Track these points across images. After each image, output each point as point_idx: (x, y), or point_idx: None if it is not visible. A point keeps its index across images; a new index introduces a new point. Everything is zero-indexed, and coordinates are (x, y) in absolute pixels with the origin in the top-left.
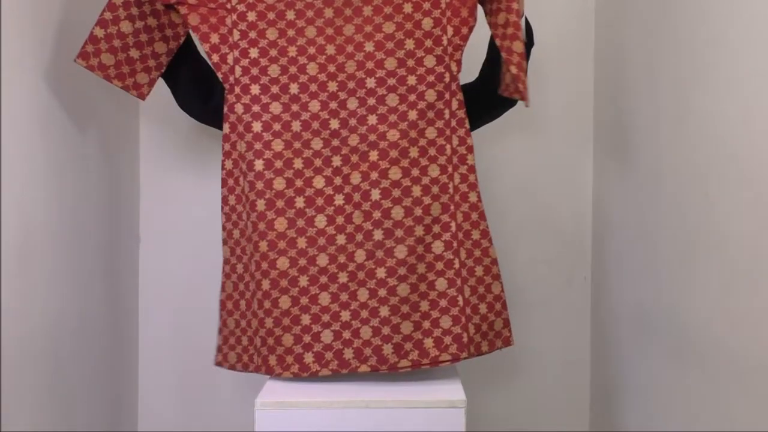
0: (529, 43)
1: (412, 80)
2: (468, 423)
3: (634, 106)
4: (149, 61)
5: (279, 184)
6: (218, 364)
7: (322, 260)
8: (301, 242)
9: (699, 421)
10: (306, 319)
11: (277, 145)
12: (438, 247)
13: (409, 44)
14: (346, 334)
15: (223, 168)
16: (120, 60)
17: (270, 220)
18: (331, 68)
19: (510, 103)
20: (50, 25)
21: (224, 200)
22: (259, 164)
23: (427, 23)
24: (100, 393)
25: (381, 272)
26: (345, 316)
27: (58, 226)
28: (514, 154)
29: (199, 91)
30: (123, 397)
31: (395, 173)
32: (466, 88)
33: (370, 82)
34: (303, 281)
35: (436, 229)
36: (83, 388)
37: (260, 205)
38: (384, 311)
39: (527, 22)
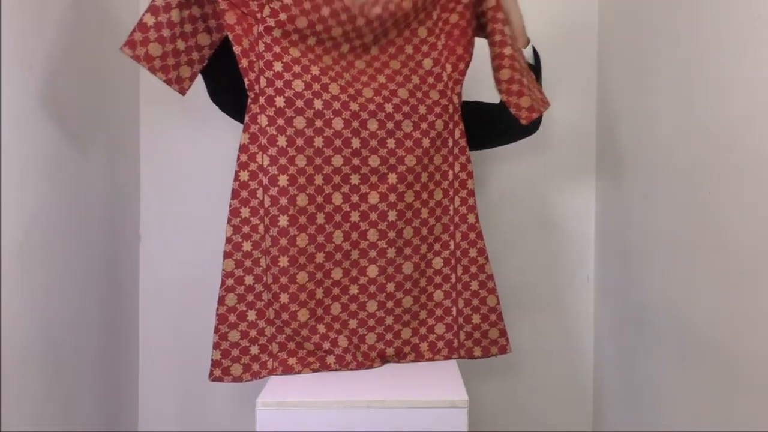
0: (537, 68)
1: (422, 109)
2: (470, 423)
3: (637, 106)
4: (193, 54)
5: (302, 200)
6: (217, 379)
7: (337, 273)
8: (320, 257)
9: (702, 420)
10: (322, 329)
11: (300, 161)
12: (438, 263)
13: (415, 79)
14: (355, 340)
15: (236, 179)
16: (167, 51)
17: (292, 236)
18: (351, 90)
19: (526, 131)
20: (51, 23)
21: (234, 212)
22: (283, 180)
23: (427, 63)
24: (100, 393)
25: (390, 287)
26: (353, 323)
27: (58, 226)
28: (519, 154)
29: (240, 84)
30: (123, 397)
31: (410, 196)
32: (488, 108)
33: (388, 107)
34: (319, 293)
35: (437, 246)
36: (83, 388)
37: (283, 220)
38: (389, 320)
39: (535, 52)
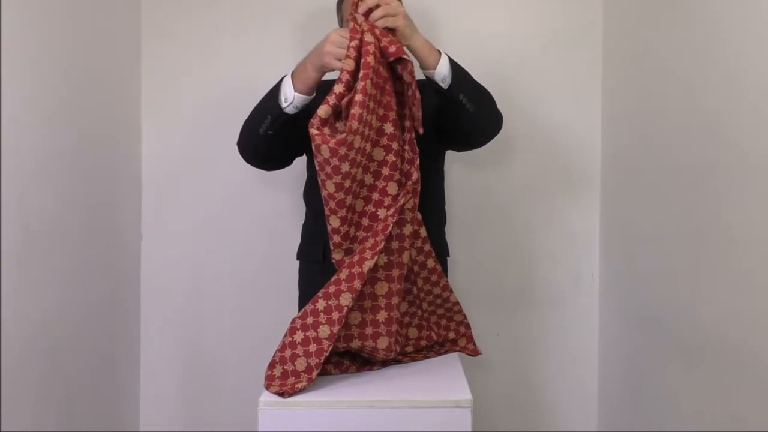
0: (465, 73)
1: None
2: (474, 422)
3: (642, 104)
4: None
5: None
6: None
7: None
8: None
9: (707, 420)
10: (326, 344)
11: None
12: (403, 306)
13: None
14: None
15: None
16: None
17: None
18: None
19: (485, 129)
20: (51, 22)
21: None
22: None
23: (388, 127)
24: (100, 393)
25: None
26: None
27: (59, 226)
28: (523, 153)
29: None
30: (124, 397)
31: (382, 258)
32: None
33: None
34: (354, 334)
35: (403, 294)
36: (84, 388)
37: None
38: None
39: (451, 60)
